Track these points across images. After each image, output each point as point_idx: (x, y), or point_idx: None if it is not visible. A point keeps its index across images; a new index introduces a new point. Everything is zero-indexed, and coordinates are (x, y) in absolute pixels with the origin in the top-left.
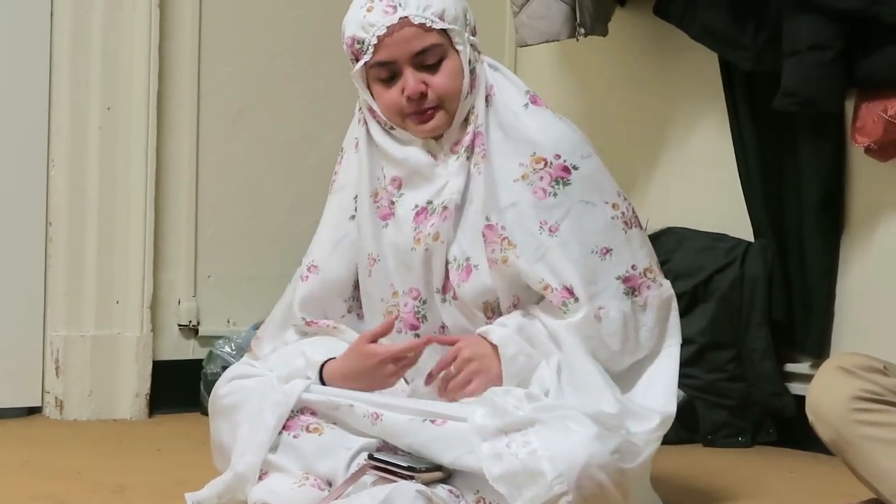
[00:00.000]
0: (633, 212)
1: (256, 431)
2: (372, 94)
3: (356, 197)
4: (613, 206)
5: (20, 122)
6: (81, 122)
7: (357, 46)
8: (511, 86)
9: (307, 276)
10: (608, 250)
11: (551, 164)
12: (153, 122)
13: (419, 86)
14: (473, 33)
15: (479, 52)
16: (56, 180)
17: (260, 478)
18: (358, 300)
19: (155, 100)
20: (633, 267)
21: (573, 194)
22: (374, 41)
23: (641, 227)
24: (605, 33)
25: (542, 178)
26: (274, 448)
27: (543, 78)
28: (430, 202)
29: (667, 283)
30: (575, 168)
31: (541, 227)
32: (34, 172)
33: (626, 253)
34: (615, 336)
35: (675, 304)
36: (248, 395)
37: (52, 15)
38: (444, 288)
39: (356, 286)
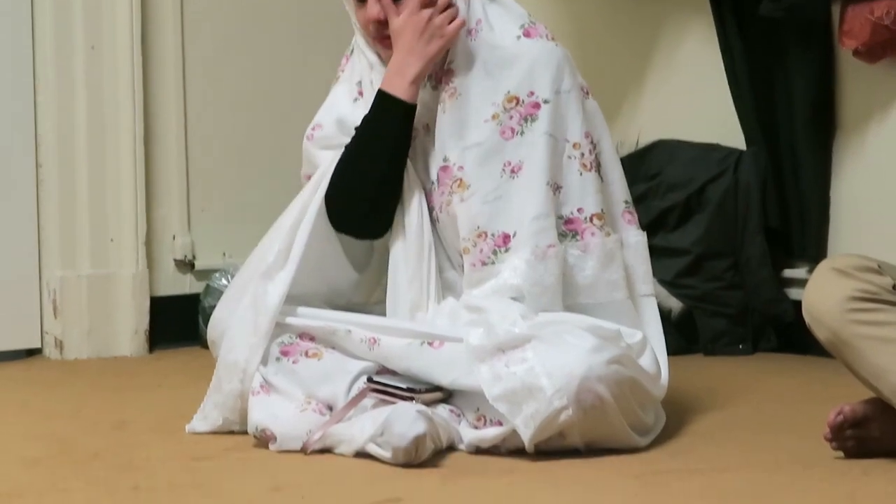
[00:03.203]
0: (597, 158)
1: (244, 333)
2: None
3: (359, 82)
4: (574, 145)
5: (4, 66)
6: (66, 63)
7: None
8: (507, 17)
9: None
10: (559, 187)
11: (523, 102)
12: (138, 58)
13: (378, 14)
14: None
15: None
16: (44, 122)
17: (261, 392)
18: None
19: (139, 36)
20: (578, 210)
21: (538, 128)
22: None
23: (598, 174)
24: None
25: (511, 117)
26: (264, 361)
27: None
28: None
29: (615, 237)
30: (546, 102)
31: (503, 168)
32: (22, 115)
33: (574, 194)
34: (556, 276)
35: (630, 256)
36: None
37: None
38: (429, 201)
39: None
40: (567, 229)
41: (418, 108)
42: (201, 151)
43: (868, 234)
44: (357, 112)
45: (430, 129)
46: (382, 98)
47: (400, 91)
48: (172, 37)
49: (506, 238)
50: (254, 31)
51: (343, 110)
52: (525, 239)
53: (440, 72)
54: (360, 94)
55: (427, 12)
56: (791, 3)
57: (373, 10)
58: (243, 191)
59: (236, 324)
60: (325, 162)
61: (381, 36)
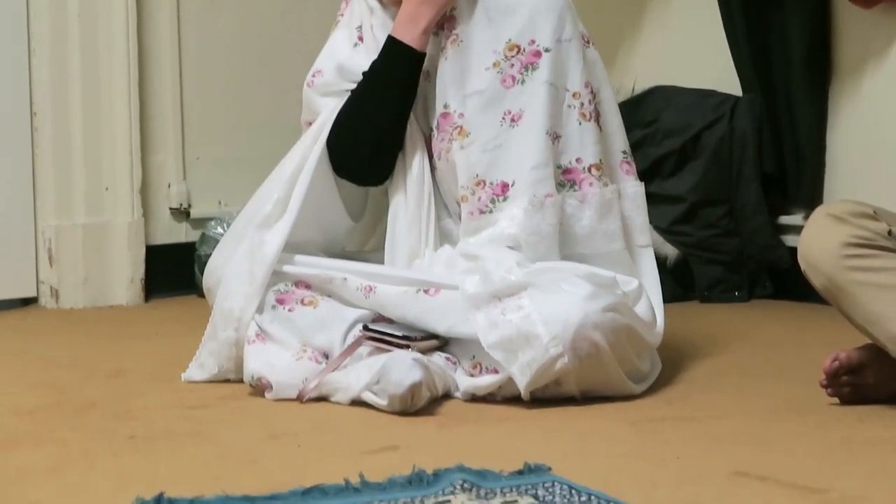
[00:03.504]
0: (597, 108)
1: (241, 282)
2: None
3: (359, 27)
4: (574, 94)
5: None
6: (60, 9)
7: None
8: None
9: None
10: (558, 137)
11: (524, 50)
12: (132, 5)
13: None
14: None
15: None
16: (38, 69)
17: (256, 341)
18: None
19: None
20: (577, 160)
21: (539, 77)
22: None
23: (598, 124)
24: None
25: (512, 65)
26: (260, 309)
27: None
28: None
29: (613, 187)
30: (547, 51)
31: (503, 117)
32: (16, 63)
33: (573, 144)
34: (553, 225)
35: (628, 206)
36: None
37: None
38: (428, 148)
39: None
40: (565, 179)
41: None
42: (196, 99)
43: (864, 180)
44: (356, 57)
45: (430, 76)
46: (392, 45)
47: (411, 39)
48: None
49: (504, 187)
50: None
51: (343, 56)
52: (523, 188)
53: (442, 18)
54: (360, 38)
55: None
56: None
57: None
58: (239, 138)
59: (232, 272)
60: (325, 109)
61: None
